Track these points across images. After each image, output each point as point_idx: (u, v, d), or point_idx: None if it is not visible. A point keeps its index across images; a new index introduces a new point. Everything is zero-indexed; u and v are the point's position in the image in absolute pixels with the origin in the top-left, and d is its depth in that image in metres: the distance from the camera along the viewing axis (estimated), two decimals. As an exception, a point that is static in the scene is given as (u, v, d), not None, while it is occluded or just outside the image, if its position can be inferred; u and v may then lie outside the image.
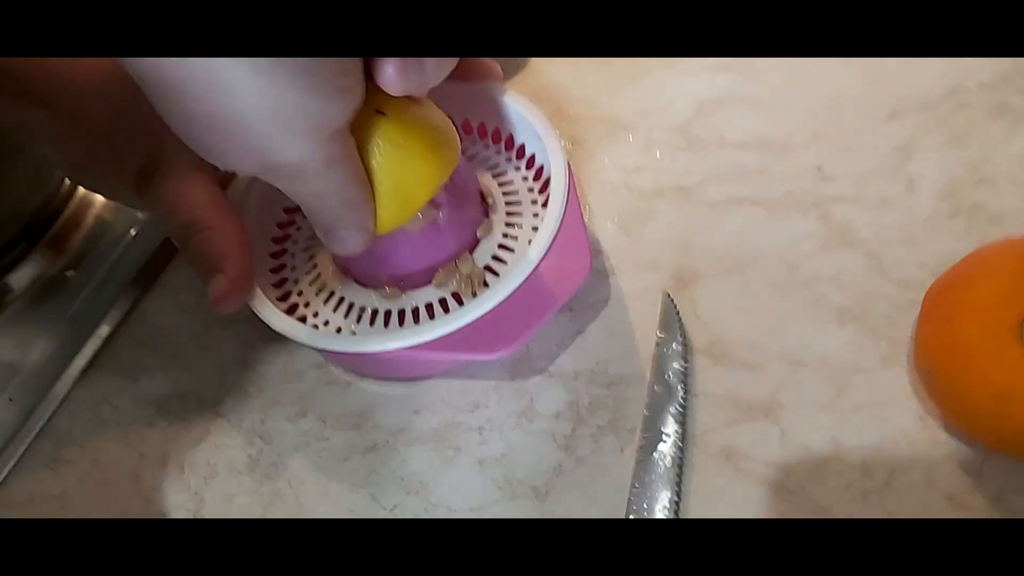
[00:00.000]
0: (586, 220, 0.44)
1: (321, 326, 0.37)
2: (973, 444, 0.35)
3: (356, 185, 0.30)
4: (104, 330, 0.44)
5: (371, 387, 0.41)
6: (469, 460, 0.38)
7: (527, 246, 0.36)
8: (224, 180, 0.41)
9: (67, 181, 0.50)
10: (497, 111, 0.41)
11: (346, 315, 0.37)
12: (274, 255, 0.41)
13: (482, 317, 0.33)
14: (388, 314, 0.37)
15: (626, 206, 0.44)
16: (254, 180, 0.41)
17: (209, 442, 0.40)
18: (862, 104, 0.45)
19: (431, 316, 0.36)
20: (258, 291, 0.37)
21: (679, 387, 0.38)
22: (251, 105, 0.25)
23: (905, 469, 0.35)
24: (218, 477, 0.39)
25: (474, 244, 0.38)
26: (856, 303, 0.39)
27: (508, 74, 0.51)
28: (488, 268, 0.37)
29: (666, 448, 0.36)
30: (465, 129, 0.43)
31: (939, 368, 0.33)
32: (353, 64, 0.27)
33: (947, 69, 0.45)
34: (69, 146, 0.38)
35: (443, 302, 0.37)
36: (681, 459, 0.36)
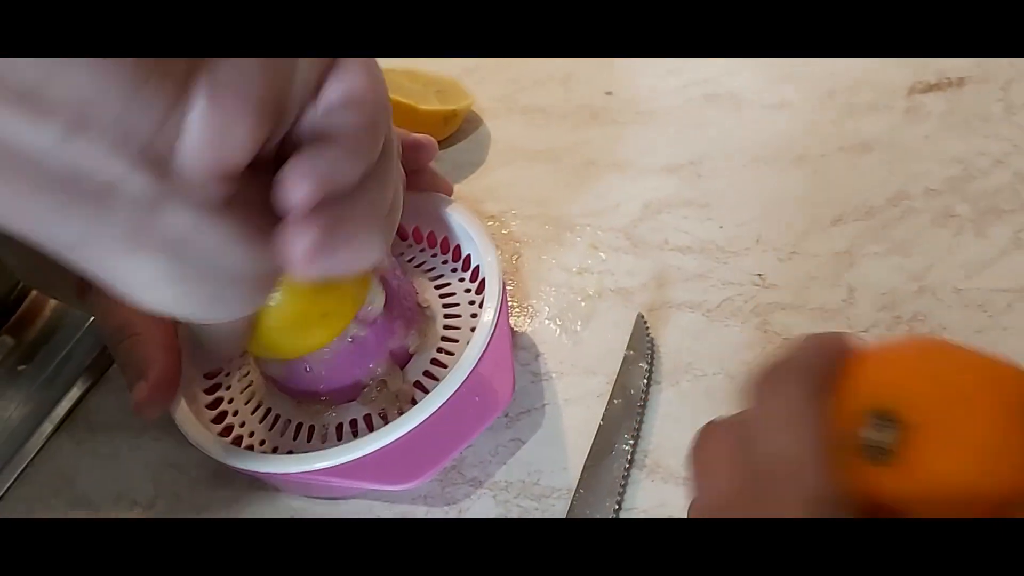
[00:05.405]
0: (528, 322, 0.44)
1: (246, 437, 0.37)
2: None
3: None
4: (47, 428, 0.45)
5: (298, 496, 0.40)
6: None
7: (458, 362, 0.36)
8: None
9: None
10: (443, 222, 0.41)
11: (271, 428, 0.37)
12: (211, 360, 0.41)
13: (388, 445, 0.32)
14: (312, 429, 0.37)
15: (569, 308, 0.44)
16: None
17: (140, 547, 0.40)
18: (806, 209, 0.45)
19: (355, 434, 0.36)
20: (181, 399, 0.37)
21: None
22: None
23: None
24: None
25: (407, 358, 0.38)
26: (792, 416, 0.38)
27: (463, 173, 0.52)
28: (419, 384, 0.37)
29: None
30: (416, 237, 0.44)
31: None
32: None
33: (892, 174, 0.45)
34: (17, 252, 0.39)
35: (368, 419, 0.36)
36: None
